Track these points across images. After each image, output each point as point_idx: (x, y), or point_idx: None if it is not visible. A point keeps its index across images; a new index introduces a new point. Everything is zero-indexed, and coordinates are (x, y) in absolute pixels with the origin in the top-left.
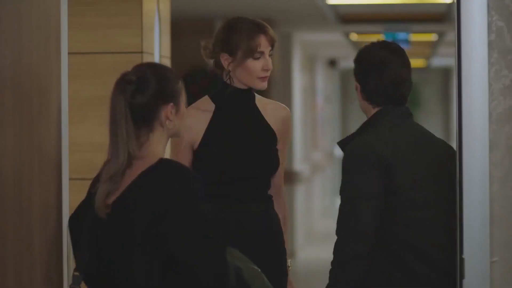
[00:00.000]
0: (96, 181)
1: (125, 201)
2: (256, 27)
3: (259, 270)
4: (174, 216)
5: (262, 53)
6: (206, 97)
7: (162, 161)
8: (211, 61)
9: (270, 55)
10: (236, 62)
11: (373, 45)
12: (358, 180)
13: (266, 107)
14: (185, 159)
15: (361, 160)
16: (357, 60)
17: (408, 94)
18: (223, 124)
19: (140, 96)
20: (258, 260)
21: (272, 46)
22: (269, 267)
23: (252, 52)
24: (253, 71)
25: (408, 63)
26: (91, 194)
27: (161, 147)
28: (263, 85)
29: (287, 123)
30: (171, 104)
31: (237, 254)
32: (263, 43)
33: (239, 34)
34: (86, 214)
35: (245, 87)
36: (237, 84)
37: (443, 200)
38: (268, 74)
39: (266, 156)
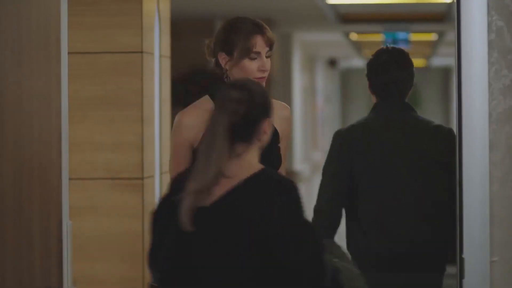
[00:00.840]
0: (179, 180)
1: (225, 208)
2: (253, 27)
3: (359, 271)
4: (280, 223)
5: (258, 53)
6: (206, 97)
7: (265, 170)
8: (213, 60)
9: (267, 56)
10: (233, 61)
11: (380, 50)
12: (327, 161)
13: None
14: (185, 159)
15: (332, 144)
16: (367, 63)
17: (407, 91)
18: None
19: (246, 113)
20: None
21: (270, 47)
22: None
23: (248, 52)
24: (249, 71)
25: (407, 66)
26: (173, 191)
27: (256, 159)
28: None
29: (289, 122)
30: (268, 118)
31: (338, 251)
32: (259, 43)
33: (237, 34)
34: (170, 213)
35: None
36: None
37: (413, 182)
38: (265, 75)
39: (267, 154)
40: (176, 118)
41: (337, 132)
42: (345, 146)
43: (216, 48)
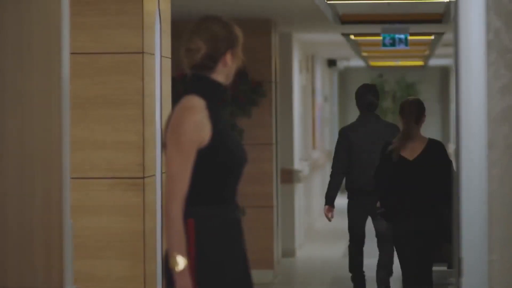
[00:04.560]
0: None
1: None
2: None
3: None
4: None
5: None
6: (193, 95)
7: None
8: (203, 63)
9: None
10: (234, 56)
11: (361, 86)
12: (335, 147)
13: None
14: (192, 158)
15: (338, 137)
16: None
17: (375, 108)
18: (220, 121)
19: None
20: (245, 254)
21: None
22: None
23: (239, 41)
24: (239, 61)
25: (375, 93)
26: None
27: None
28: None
29: None
30: None
31: None
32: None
33: (232, 28)
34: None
35: (226, 82)
36: (221, 80)
37: (376, 157)
38: None
39: (244, 149)
40: (186, 116)
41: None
42: (341, 138)
43: (222, 47)
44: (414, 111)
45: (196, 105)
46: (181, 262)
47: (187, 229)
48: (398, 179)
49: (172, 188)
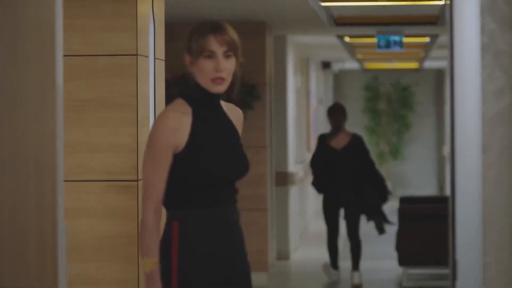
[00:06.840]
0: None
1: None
2: (208, 28)
3: None
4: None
5: (213, 52)
6: (181, 100)
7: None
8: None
9: (227, 56)
10: (192, 61)
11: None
12: None
13: (226, 107)
14: (165, 162)
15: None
16: None
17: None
18: (204, 126)
19: None
20: (238, 256)
21: (228, 47)
22: (246, 260)
23: (201, 51)
24: (205, 70)
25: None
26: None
27: None
28: (218, 88)
29: (242, 124)
30: None
31: None
32: (212, 42)
33: (194, 34)
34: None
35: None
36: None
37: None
38: (221, 75)
39: (243, 157)
40: (159, 121)
41: None
42: None
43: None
44: (340, 113)
45: (176, 110)
46: (151, 265)
47: (171, 232)
48: (328, 163)
49: (145, 192)
